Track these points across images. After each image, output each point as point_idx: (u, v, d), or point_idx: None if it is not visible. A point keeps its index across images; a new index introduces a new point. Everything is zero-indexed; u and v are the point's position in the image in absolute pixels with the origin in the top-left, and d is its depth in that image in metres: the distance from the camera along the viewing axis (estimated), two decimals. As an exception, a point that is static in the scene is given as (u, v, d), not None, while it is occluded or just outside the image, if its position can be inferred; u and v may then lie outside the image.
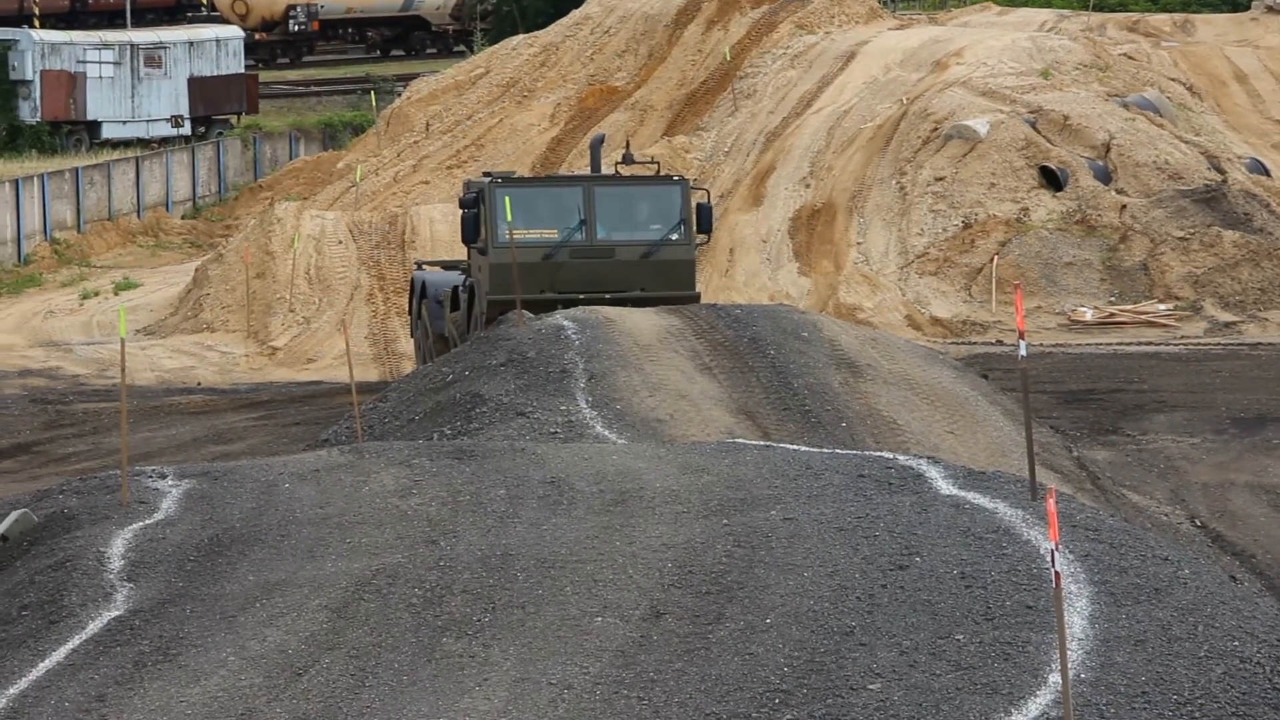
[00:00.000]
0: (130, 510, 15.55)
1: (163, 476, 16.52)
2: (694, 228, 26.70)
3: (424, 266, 31.59)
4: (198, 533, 15.01)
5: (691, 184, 27.48)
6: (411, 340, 31.94)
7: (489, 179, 27.15)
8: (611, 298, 25.63)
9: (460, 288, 28.38)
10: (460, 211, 27.01)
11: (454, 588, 13.59)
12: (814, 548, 13.74)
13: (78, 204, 49.15)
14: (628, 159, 29.05)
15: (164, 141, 58.24)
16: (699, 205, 26.83)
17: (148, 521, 15.29)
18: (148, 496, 15.88)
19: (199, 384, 34.67)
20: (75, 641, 13.48)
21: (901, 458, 16.39)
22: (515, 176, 29.68)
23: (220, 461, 20.97)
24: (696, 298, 26.48)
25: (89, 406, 32.41)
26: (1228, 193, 39.52)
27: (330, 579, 13.95)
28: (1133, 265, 38.23)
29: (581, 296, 25.49)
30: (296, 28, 74.29)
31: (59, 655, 13.34)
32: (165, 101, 59.58)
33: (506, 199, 25.97)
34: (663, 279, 26.35)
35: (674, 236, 26.58)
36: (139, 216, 51.22)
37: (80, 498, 15.99)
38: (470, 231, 26.69)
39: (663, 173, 29.76)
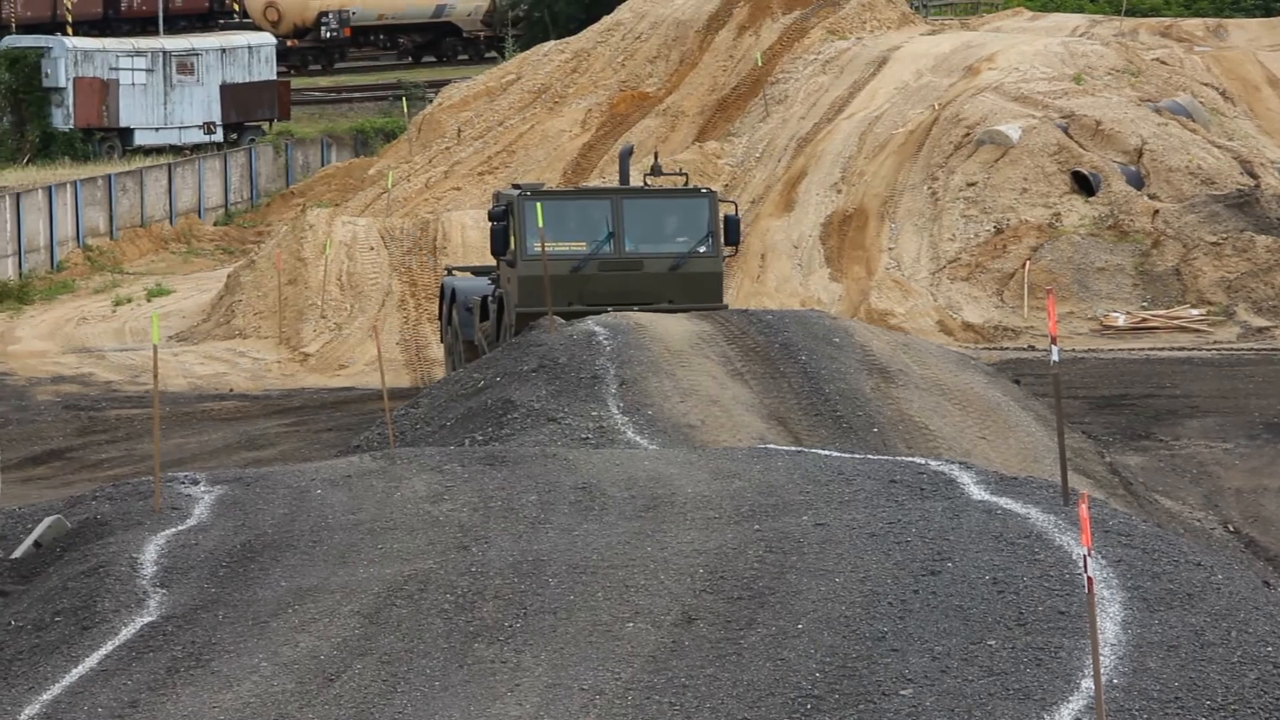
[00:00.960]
0: (163, 516, 15.59)
1: (195, 482, 16.56)
2: (722, 240, 26.86)
3: (453, 272, 31.64)
4: (230, 539, 15.05)
5: (720, 196, 27.50)
6: (441, 346, 31.93)
7: (517, 191, 27.23)
8: (639, 310, 25.50)
9: (490, 298, 28.40)
10: (490, 224, 27.15)
11: (485, 593, 13.60)
12: (846, 553, 13.72)
13: (110, 211, 49.31)
14: (656, 170, 29.07)
15: (196, 148, 58.41)
16: (727, 217, 26.96)
17: (180, 527, 15.33)
18: (180, 503, 15.92)
19: (231, 390, 34.75)
20: (108, 647, 13.52)
21: (933, 463, 16.36)
22: (544, 189, 29.69)
23: (252, 467, 21.01)
24: (724, 310, 26.49)
25: (121, 413, 32.51)
26: (1260, 197, 39.38)
27: (362, 585, 13.97)
28: (1165, 270, 38.13)
29: (610, 309, 25.54)
30: (328, 34, 74.45)
31: (92, 661, 13.39)
32: (198, 108, 59.76)
33: (538, 207, 26.01)
34: (690, 291, 26.49)
35: (702, 249, 26.72)
36: (171, 223, 51.37)
37: (113, 504, 16.03)
38: (499, 244, 26.82)
39: (691, 184, 29.69)
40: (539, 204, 26.24)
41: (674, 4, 50.71)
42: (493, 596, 13.55)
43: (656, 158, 31.26)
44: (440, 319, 31.41)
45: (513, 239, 26.69)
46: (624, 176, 29.25)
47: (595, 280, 26.44)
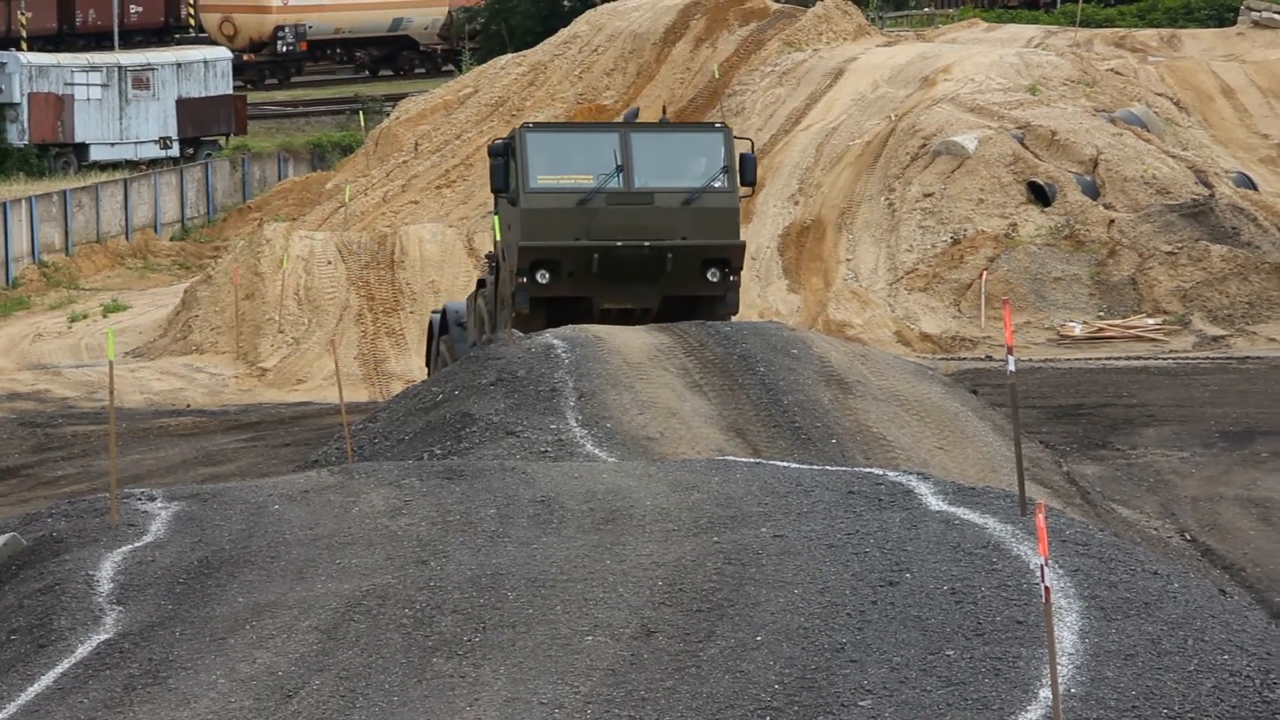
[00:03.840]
0: (119, 533, 15.53)
1: (152, 499, 16.50)
2: (738, 176, 24.99)
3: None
4: (187, 555, 14.99)
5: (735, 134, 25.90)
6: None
7: (521, 126, 25.54)
8: (651, 246, 24.37)
9: (487, 257, 26.90)
10: (490, 161, 25.13)
11: (444, 608, 13.57)
12: (804, 564, 13.74)
13: (66, 226, 49.15)
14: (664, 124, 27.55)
15: (152, 163, 58.25)
16: (742, 155, 25.01)
17: (137, 544, 15.27)
18: (137, 519, 15.86)
19: (188, 406, 34.64)
20: (64, 665, 13.46)
21: (891, 474, 16.39)
22: (543, 122, 28.61)
23: (210, 483, 20.95)
24: (741, 248, 25.04)
25: (78, 429, 32.38)
26: (1215, 207, 39.58)
27: (320, 600, 13.93)
28: (1121, 280, 38.28)
29: (620, 243, 24.33)
30: (285, 48, 74.35)
31: (48, 679, 13.32)
32: (153, 123, 59.60)
33: (537, 142, 24.53)
34: (704, 227, 24.74)
35: (716, 183, 24.86)
36: (127, 238, 51.21)
37: (69, 521, 15.96)
38: (500, 179, 24.85)
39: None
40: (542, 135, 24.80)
41: (631, 17, 50.79)
42: (451, 611, 13.52)
43: (665, 112, 29.97)
44: (428, 359, 29.22)
45: (514, 176, 24.84)
46: None
47: (603, 214, 24.59)
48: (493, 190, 25.56)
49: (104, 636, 13.75)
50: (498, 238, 25.56)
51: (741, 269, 24.98)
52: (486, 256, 27.70)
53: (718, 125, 26.04)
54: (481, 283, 26.95)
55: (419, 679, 12.78)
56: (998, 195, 39.80)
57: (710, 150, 25.19)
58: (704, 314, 24.45)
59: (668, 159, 25.27)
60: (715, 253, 24.51)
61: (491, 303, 26.14)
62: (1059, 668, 11.90)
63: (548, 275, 24.46)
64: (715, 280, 24.60)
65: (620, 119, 28.52)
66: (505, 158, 24.87)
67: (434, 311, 29.31)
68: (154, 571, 14.71)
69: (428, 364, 29.17)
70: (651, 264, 24.43)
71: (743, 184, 25.10)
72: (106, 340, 32.54)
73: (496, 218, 26.88)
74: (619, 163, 24.63)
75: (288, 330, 37.90)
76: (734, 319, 24.81)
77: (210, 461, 29.22)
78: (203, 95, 60.53)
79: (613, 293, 24.66)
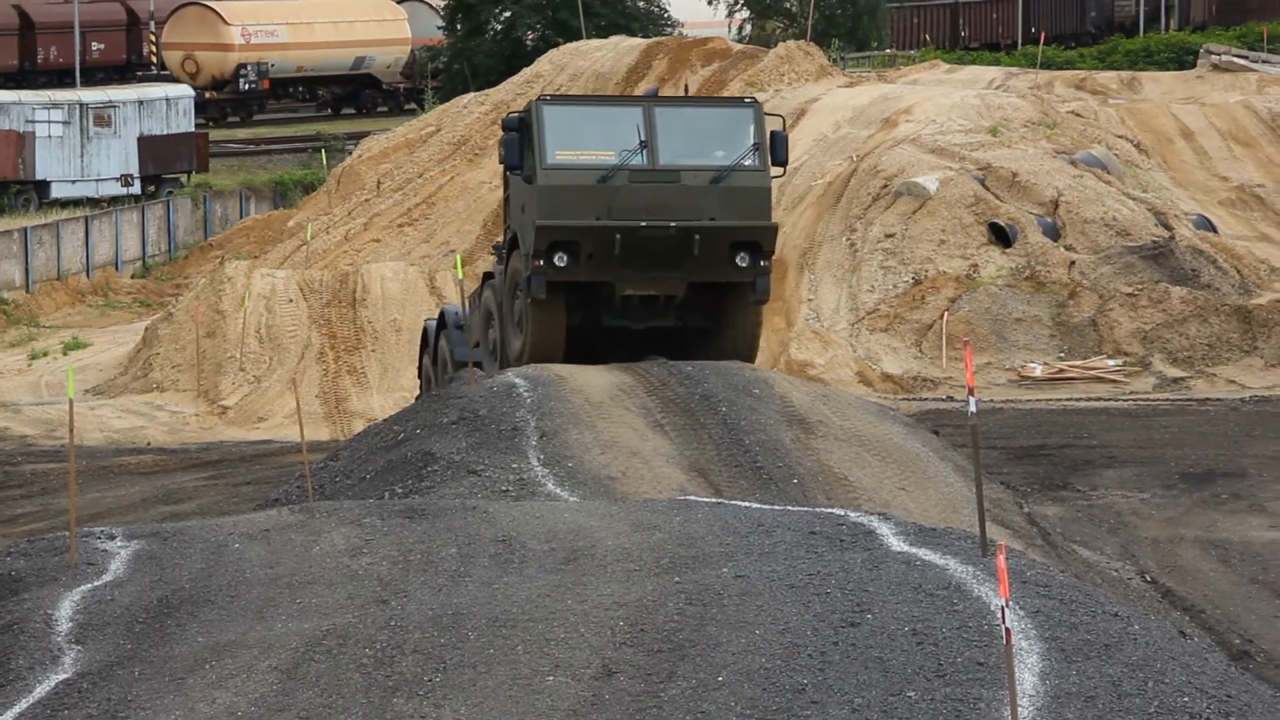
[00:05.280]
0: (78, 572, 15.46)
1: (111, 537, 16.43)
2: (769, 156, 23.18)
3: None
4: (146, 594, 14.93)
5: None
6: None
7: (537, 99, 23.73)
8: (677, 226, 22.67)
9: (499, 245, 24.92)
10: (504, 136, 23.37)
11: (405, 647, 13.53)
12: (766, 605, 13.73)
13: (26, 264, 49.00)
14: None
15: (114, 200, 58.14)
16: (773, 133, 23.16)
17: (96, 583, 15.20)
18: (96, 558, 15.79)
19: (148, 444, 34.52)
20: (22, 705, 13.38)
21: (853, 514, 16.40)
22: (560, 95, 27.09)
23: (170, 522, 20.88)
24: (774, 230, 23.31)
25: (37, 467, 32.23)
26: (1175, 249, 39.77)
27: (280, 640, 13.88)
28: (1081, 321, 38.42)
29: (644, 224, 22.63)
30: (247, 86, 74.33)
31: (6, 719, 13.24)
32: (115, 160, 59.49)
33: (555, 113, 22.81)
34: (734, 207, 22.90)
35: (747, 162, 22.99)
36: (88, 276, 51.08)
37: (28, 560, 15.89)
38: (514, 155, 23.00)
39: None
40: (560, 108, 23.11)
41: (593, 57, 50.90)
42: (412, 650, 13.48)
43: (687, 90, 27.33)
44: (420, 370, 27.62)
45: (530, 151, 23.00)
46: None
47: (626, 192, 22.75)
48: (504, 166, 23.74)
49: (63, 676, 13.68)
50: (460, 276, 25.29)
51: (773, 253, 23.44)
52: (494, 249, 26.12)
53: (748, 100, 24.18)
54: (489, 275, 25.27)
55: (379, 719, 12.74)
56: (959, 236, 39.94)
57: (740, 126, 23.30)
58: (732, 302, 23.23)
59: (694, 135, 23.41)
60: (745, 235, 22.86)
61: (501, 294, 24.40)
62: (1020, 709, 11.91)
63: (566, 258, 22.76)
64: (744, 265, 22.96)
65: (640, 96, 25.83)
66: (519, 132, 23.06)
67: (428, 320, 27.76)
68: (113, 611, 14.65)
69: (419, 375, 27.90)
70: (677, 246, 22.82)
71: (774, 163, 23.21)
72: (67, 378, 32.42)
73: (458, 256, 26.78)
74: (643, 138, 22.84)
75: (249, 368, 37.82)
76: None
77: (170, 500, 29.10)
78: (165, 133, 60.45)
79: (635, 278, 23.03)
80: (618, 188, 22.71)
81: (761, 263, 22.96)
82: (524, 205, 23.41)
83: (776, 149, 23.16)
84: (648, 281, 23.01)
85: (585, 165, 22.82)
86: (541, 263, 22.72)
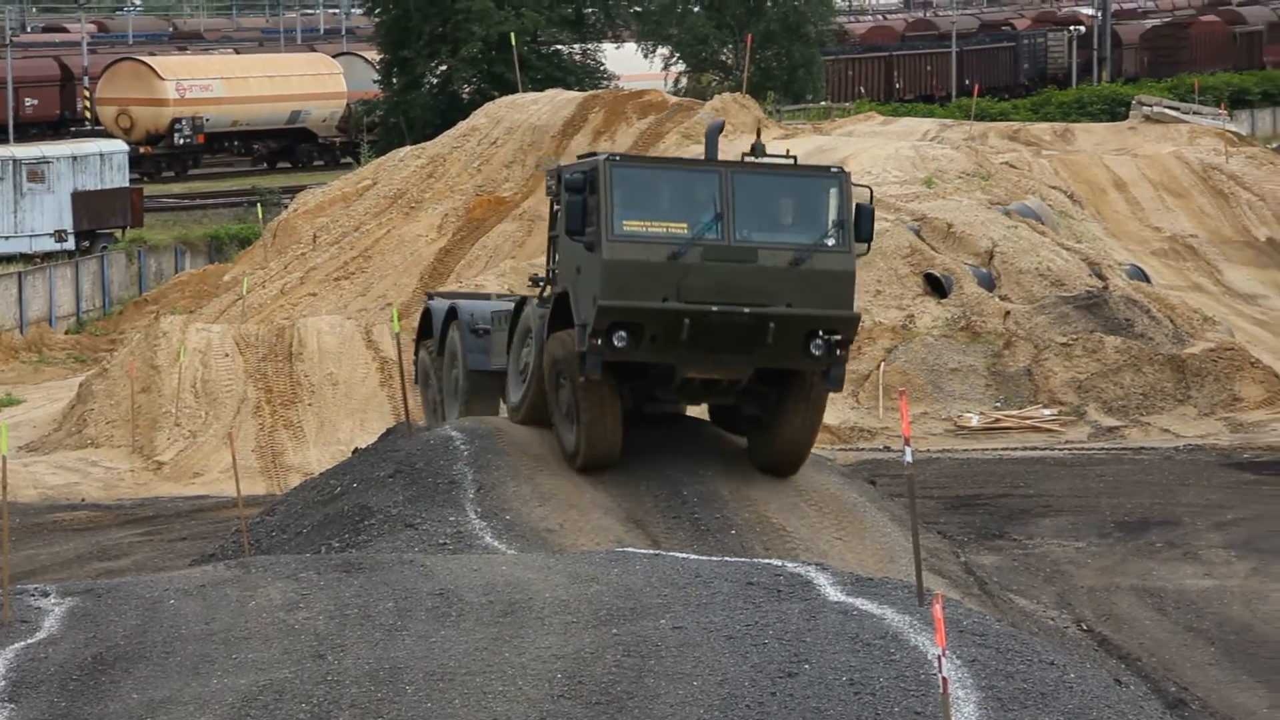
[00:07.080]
0: (11, 630, 15.34)
1: (45, 595, 16.32)
2: (853, 233, 20.90)
3: (435, 297, 25.88)
4: (81, 651, 14.82)
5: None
6: (417, 390, 25.93)
7: (600, 156, 21.20)
8: (752, 312, 20.41)
9: (538, 278, 22.77)
10: (566, 197, 21.03)
11: (342, 702, 13.47)
12: (703, 656, 13.72)
13: (-40, 319, 48.70)
14: (758, 150, 22.00)
15: (47, 256, 57.84)
16: (859, 206, 20.90)
17: (30, 641, 15.09)
18: (30, 615, 15.67)
19: (83, 500, 34.30)
20: (-45, 764, 13.26)
21: (790, 565, 16.42)
22: (631, 155, 24.00)
23: (105, 579, 20.73)
24: (856, 320, 21.01)
25: (-29, 524, 31.98)
26: (1109, 299, 40.03)
27: (216, 695, 13.79)
28: (1017, 371, 38.59)
29: (715, 309, 20.34)
30: (182, 141, 74.19)
31: (-62, 778, 13.12)
32: (48, 216, 59.21)
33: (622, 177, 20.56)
34: (814, 293, 20.60)
35: (830, 241, 20.74)
36: (22, 332, 50.77)
37: (-39, 617, 15.76)
38: (577, 221, 20.62)
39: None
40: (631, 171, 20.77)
41: (529, 110, 50.97)
42: (349, 705, 13.42)
43: (759, 135, 23.70)
44: (415, 356, 25.68)
45: (592, 216, 20.63)
46: (712, 157, 22.19)
47: (697, 272, 20.36)
48: (567, 233, 21.12)
49: (-5, 734, 13.57)
50: (396, 330, 25.01)
51: (852, 342, 21.23)
52: (532, 280, 23.36)
53: (834, 169, 21.38)
54: (539, 291, 22.65)
55: (316, 775, 12.67)
56: (895, 287, 40.11)
57: (824, 199, 20.95)
58: (798, 389, 21.19)
59: (774, 207, 21.03)
60: (825, 324, 20.61)
61: (536, 330, 22.28)
62: (957, 758, 11.93)
63: (626, 338, 20.46)
64: (819, 354, 20.71)
65: (705, 133, 23.03)
66: (583, 194, 20.71)
67: (433, 304, 25.18)
68: (47, 668, 14.54)
69: (414, 364, 25.76)
70: (750, 333, 20.52)
71: (858, 239, 20.92)
72: (0, 434, 32.17)
73: (395, 310, 26.64)
74: (718, 210, 20.62)
75: (184, 423, 37.63)
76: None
77: (105, 556, 28.91)
78: (99, 188, 60.21)
79: (700, 361, 20.79)
80: (689, 266, 20.42)
81: (838, 351, 20.83)
82: (580, 268, 21.09)
83: (861, 224, 20.89)
84: (712, 365, 20.90)
85: (655, 239, 20.49)
86: (600, 342, 20.50)
